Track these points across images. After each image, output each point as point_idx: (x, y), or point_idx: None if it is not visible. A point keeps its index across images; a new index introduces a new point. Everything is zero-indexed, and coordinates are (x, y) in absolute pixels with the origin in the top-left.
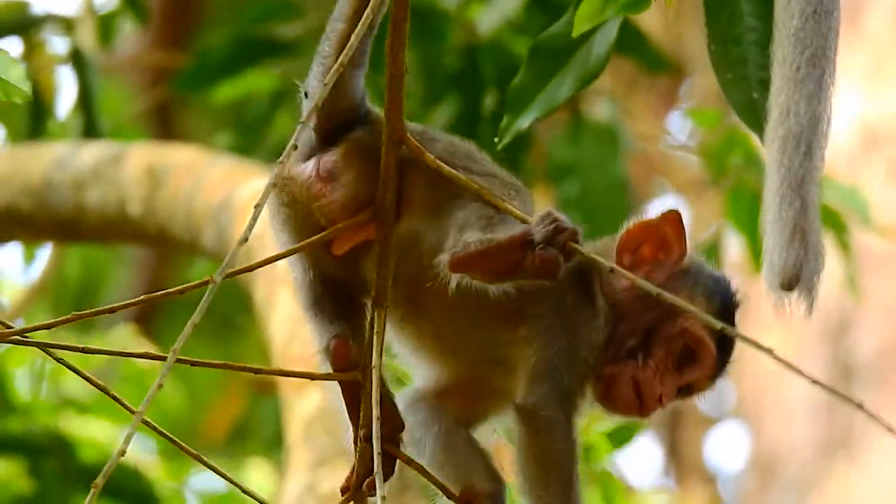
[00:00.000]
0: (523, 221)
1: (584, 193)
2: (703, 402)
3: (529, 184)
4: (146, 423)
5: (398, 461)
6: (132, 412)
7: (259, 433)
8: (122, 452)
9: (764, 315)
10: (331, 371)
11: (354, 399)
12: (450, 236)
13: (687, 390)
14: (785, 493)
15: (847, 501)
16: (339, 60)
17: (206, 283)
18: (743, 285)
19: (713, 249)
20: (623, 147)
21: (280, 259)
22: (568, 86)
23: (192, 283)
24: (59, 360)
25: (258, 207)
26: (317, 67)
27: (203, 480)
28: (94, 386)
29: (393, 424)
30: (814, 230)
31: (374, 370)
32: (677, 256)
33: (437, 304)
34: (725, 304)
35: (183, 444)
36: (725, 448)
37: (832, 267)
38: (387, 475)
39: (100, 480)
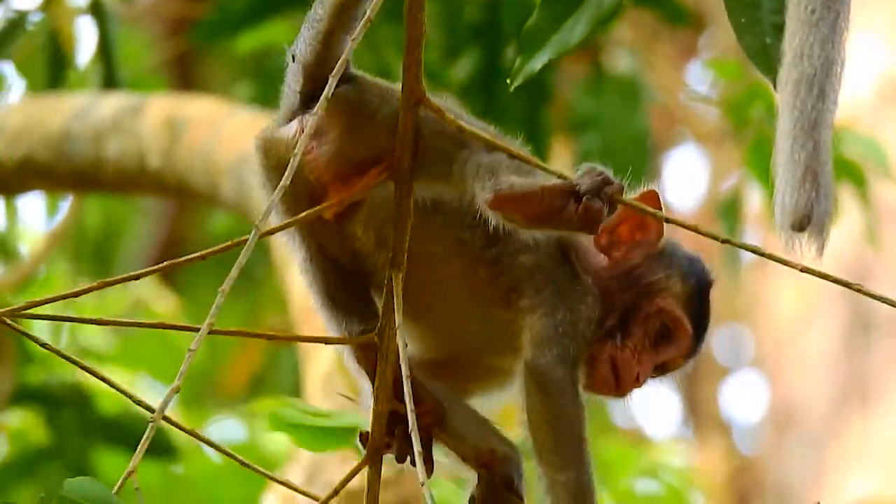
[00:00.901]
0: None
1: (605, 146)
2: (721, 352)
3: (550, 136)
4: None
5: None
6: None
7: (277, 385)
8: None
9: (781, 268)
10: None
11: (372, 365)
12: (479, 178)
13: (662, 368)
14: (802, 444)
15: (864, 452)
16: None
17: (229, 247)
18: (763, 236)
19: (734, 201)
20: (644, 99)
21: (281, 231)
22: (581, 28)
23: (213, 249)
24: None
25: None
26: (307, 31)
27: (222, 430)
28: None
29: (435, 407)
30: (825, 172)
31: (398, 331)
32: (654, 237)
33: (429, 277)
34: (700, 284)
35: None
36: (742, 399)
37: (851, 219)
38: (429, 461)
39: None
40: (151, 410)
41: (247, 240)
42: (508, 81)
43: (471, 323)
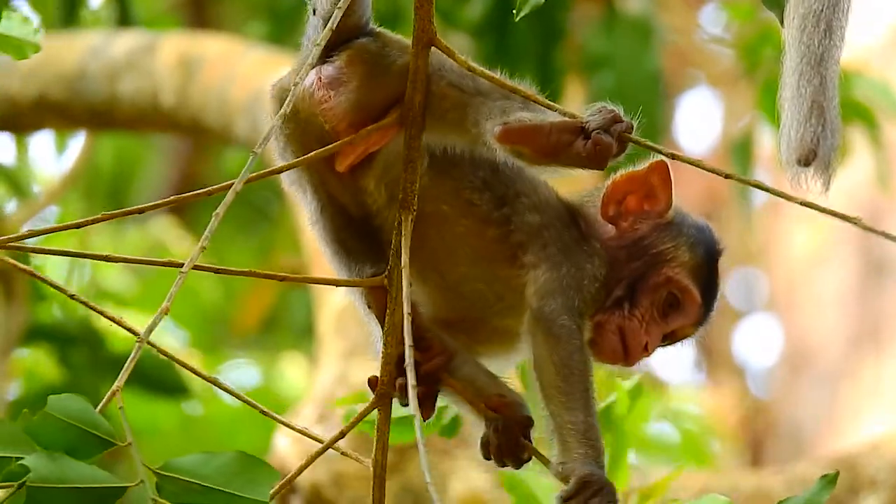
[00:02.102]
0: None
1: (618, 85)
2: (734, 295)
3: (563, 76)
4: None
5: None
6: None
7: (290, 324)
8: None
9: (797, 209)
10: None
11: (382, 309)
12: (490, 112)
13: (671, 337)
14: (815, 385)
15: (877, 392)
16: None
17: (229, 186)
18: (774, 177)
19: (746, 142)
20: (657, 39)
21: (289, 169)
22: None
23: (216, 186)
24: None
25: (295, 85)
26: (316, 12)
27: (237, 373)
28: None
29: (444, 351)
30: (832, 107)
31: (404, 269)
32: (663, 207)
33: (439, 237)
34: (709, 253)
35: None
36: (756, 342)
37: (863, 161)
38: (431, 403)
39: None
40: (136, 334)
41: (251, 178)
42: (514, 12)
43: (478, 282)
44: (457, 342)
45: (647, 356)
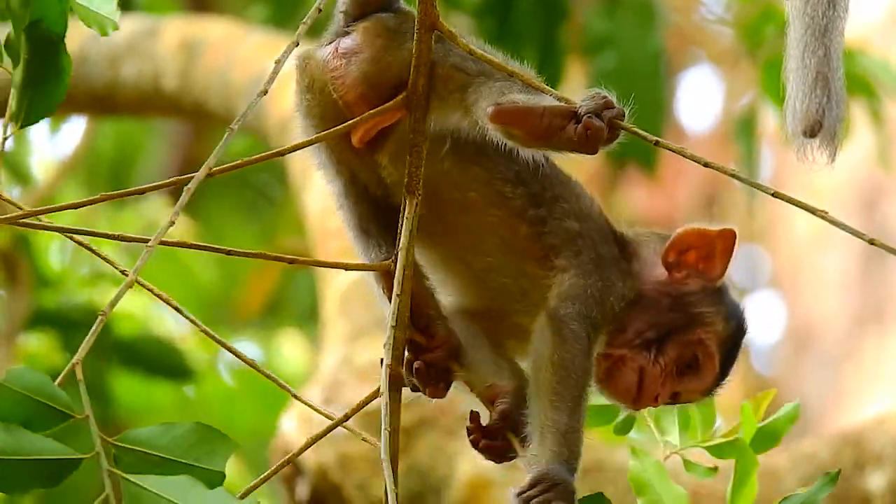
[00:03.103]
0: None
1: (620, 65)
2: (738, 273)
3: (566, 57)
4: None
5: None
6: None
7: (293, 306)
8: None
9: (797, 185)
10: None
11: (391, 285)
12: (486, 92)
13: (675, 396)
14: (819, 364)
15: (880, 371)
16: None
17: (211, 175)
18: (777, 155)
19: (748, 121)
20: (659, 19)
21: (306, 147)
22: None
23: (217, 168)
24: (80, 244)
25: (277, 63)
26: None
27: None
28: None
29: (451, 341)
30: (837, 78)
31: (401, 252)
32: (717, 274)
33: (466, 225)
34: (738, 331)
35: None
36: (760, 320)
37: (864, 137)
38: (443, 389)
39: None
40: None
41: (256, 159)
42: None
43: (504, 275)
44: (477, 331)
45: (654, 406)
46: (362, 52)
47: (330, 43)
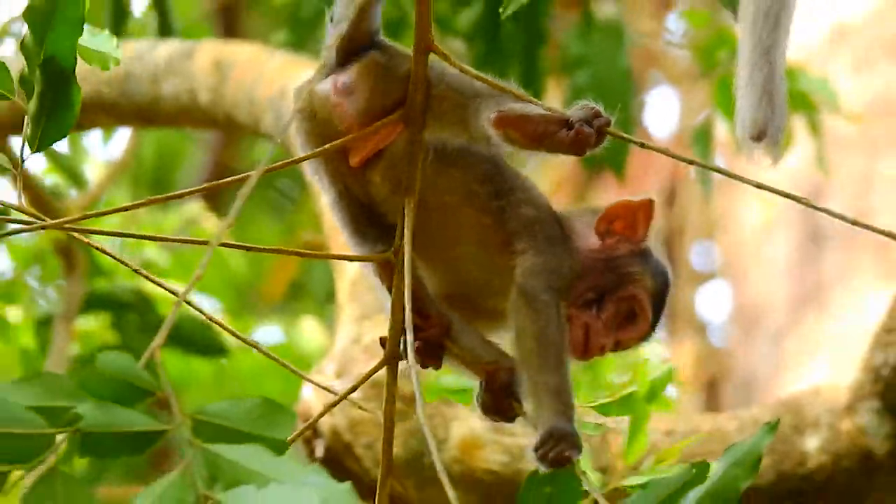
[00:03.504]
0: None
1: (593, 82)
2: (696, 261)
3: (545, 75)
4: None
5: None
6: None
7: (312, 293)
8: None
9: (746, 189)
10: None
11: (390, 281)
12: (485, 103)
13: (617, 345)
14: (765, 340)
15: (817, 346)
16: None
17: (248, 176)
18: (729, 161)
19: (705, 131)
20: (627, 43)
21: (305, 160)
22: None
23: (238, 176)
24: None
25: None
26: (334, 22)
27: (265, 334)
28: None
29: (442, 320)
30: (780, 92)
31: (406, 246)
32: (641, 237)
33: (444, 225)
34: (663, 285)
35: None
36: (714, 303)
37: (805, 146)
38: (438, 361)
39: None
40: (176, 295)
41: (270, 168)
42: (501, 12)
43: (474, 264)
44: (457, 316)
45: (600, 355)
46: (360, 89)
47: (327, 77)
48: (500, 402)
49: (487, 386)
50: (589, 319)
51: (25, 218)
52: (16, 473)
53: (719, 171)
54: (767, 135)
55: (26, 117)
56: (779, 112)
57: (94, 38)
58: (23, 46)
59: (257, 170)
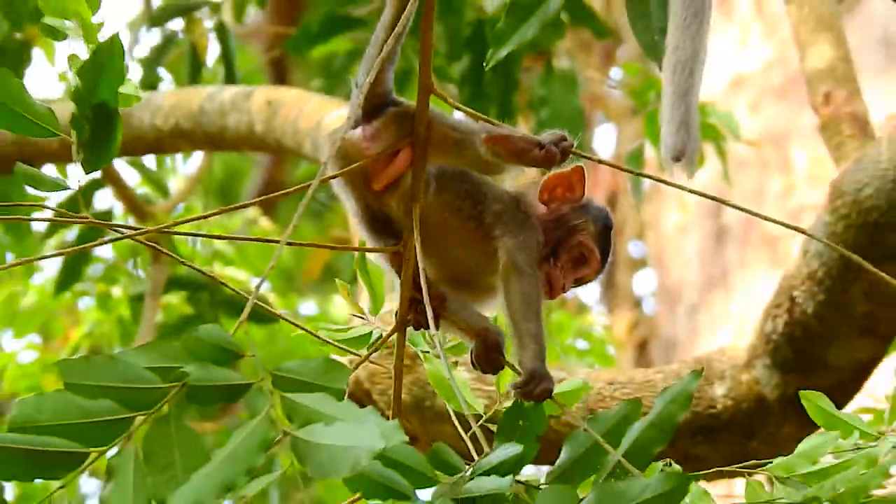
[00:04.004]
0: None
1: (553, 118)
2: (633, 251)
3: (517, 113)
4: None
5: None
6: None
7: (342, 275)
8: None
9: (668, 197)
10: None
11: (399, 266)
12: (475, 131)
13: (579, 281)
14: (683, 313)
15: (723, 318)
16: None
17: (305, 187)
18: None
19: (637, 156)
20: (579, 87)
21: (333, 178)
22: (533, 29)
23: (290, 189)
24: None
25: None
26: (364, 66)
27: (305, 308)
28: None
29: (439, 295)
30: (693, 125)
31: (416, 242)
32: (578, 196)
33: (441, 234)
34: (606, 227)
35: None
36: (645, 283)
37: (713, 165)
38: (435, 326)
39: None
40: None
41: (310, 184)
42: (485, 65)
43: (468, 257)
44: (454, 294)
45: (563, 293)
46: (384, 135)
47: (355, 127)
48: (491, 356)
49: (481, 345)
50: (548, 269)
51: (130, 223)
52: (139, 419)
53: (651, 177)
54: (685, 156)
55: (76, 147)
56: (693, 139)
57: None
58: (75, 92)
59: (311, 186)
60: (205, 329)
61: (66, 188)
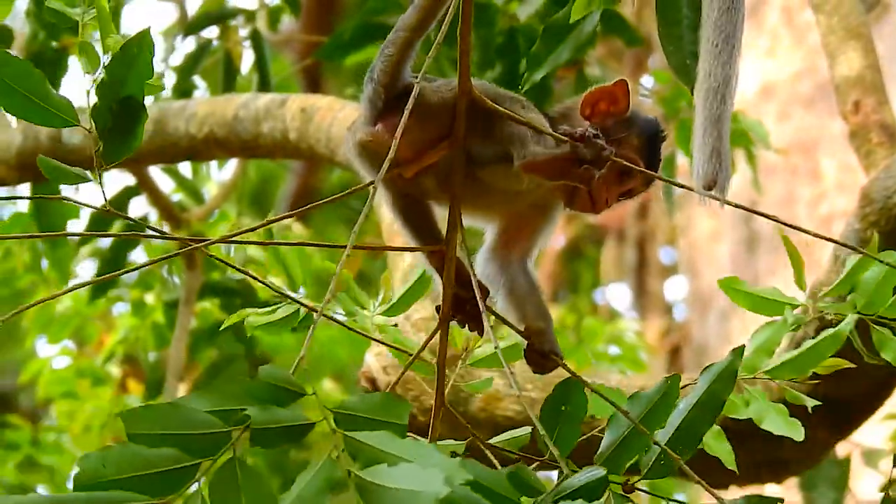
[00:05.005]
0: (555, 138)
1: None
2: (663, 258)
3: None
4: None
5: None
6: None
7: (375, 282)
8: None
9: (699, 207)
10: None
11: (440, 265)
12: (513, 147)
13: (627, 194)
14: (714, 319)
15: (753, 323)
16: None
17: (340, 197)
18: (686, 181)
19: (668, 163)
20: None
21: (372, 184)
22: (567, 52)
23: (324, 200)
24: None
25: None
26: (380, 61)
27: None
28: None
29: (482, 291)
30: (725, 152)
31: (458, 243)
32: (622, 108)
33: (481, 193)
34: (652, 138)
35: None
36: (676, 290)
37: (743, 171)
38: (479, 325)
39: None
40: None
41: (341, 194)
42: (520, 86)
43: (510, 200)
44: (511, 243)
45: (608, 207)
46: (409, 131)
47: (376, 120)
48: (539, 357)
49: (531, 348)
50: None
51: (163, 229)
52: (204, 465)
53: (684, 186)
54: (717, 184)
55: (96, 138)
56: (725, 167)
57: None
58: (100, 85)
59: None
60: (265, 370)
61: (88, 180)
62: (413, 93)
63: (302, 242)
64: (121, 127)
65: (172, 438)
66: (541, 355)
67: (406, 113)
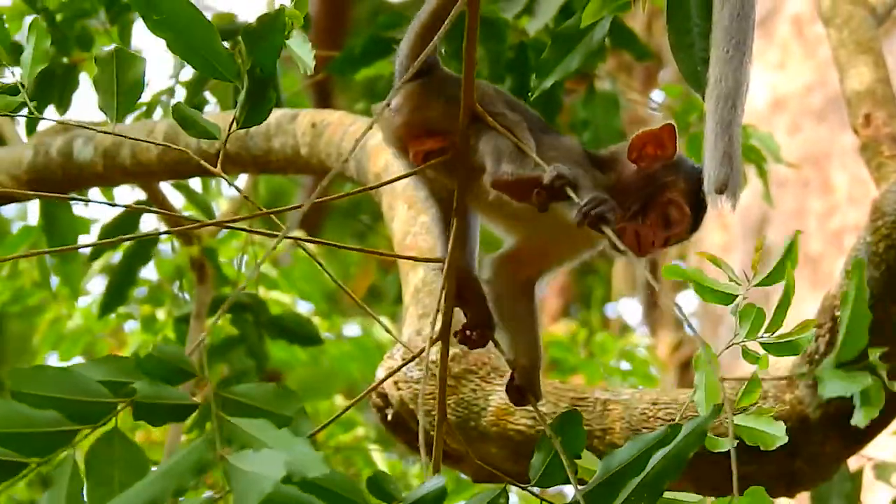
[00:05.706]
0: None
1: (594, 140)
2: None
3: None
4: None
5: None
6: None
7: (385, 297)
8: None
9: (711, 218)
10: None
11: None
12: (489, 162)
13: (671, 239)
14: (726, 335)
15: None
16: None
17: (339, 197)
18: None
19: None
20: (621, 109)
21: (396, 182)
22: (577, 60)
23: (319, 199)
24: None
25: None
26: (398, 64)
27: (350, 329)
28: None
29: (486, 323)
30: (737, 156)
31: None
32: (669, 153)
33: (508, 210)
34: (699, 184)
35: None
36: (688, 303)
37: (755, 185)
38: (482, 344)
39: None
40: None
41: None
42: (530, 95)
43: (540, 221)
44: (527, 264)
45: (653, 251)
46: (403, 108)
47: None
48: (520, 395)
49: (511, 380)
50: (636, 226)
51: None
52: (84, 431)
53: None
54: (728, 189)
55: (240, 103)
56: (736, 172)
57: (298, 46)
58: (239, 53)
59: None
60: (161, 347)
61: (216, 137)
62: (420, 57)
63: (309, 239)
64: (255, 93)
65: (57, 402)
66: (518, 391)
67: (410, 75)
